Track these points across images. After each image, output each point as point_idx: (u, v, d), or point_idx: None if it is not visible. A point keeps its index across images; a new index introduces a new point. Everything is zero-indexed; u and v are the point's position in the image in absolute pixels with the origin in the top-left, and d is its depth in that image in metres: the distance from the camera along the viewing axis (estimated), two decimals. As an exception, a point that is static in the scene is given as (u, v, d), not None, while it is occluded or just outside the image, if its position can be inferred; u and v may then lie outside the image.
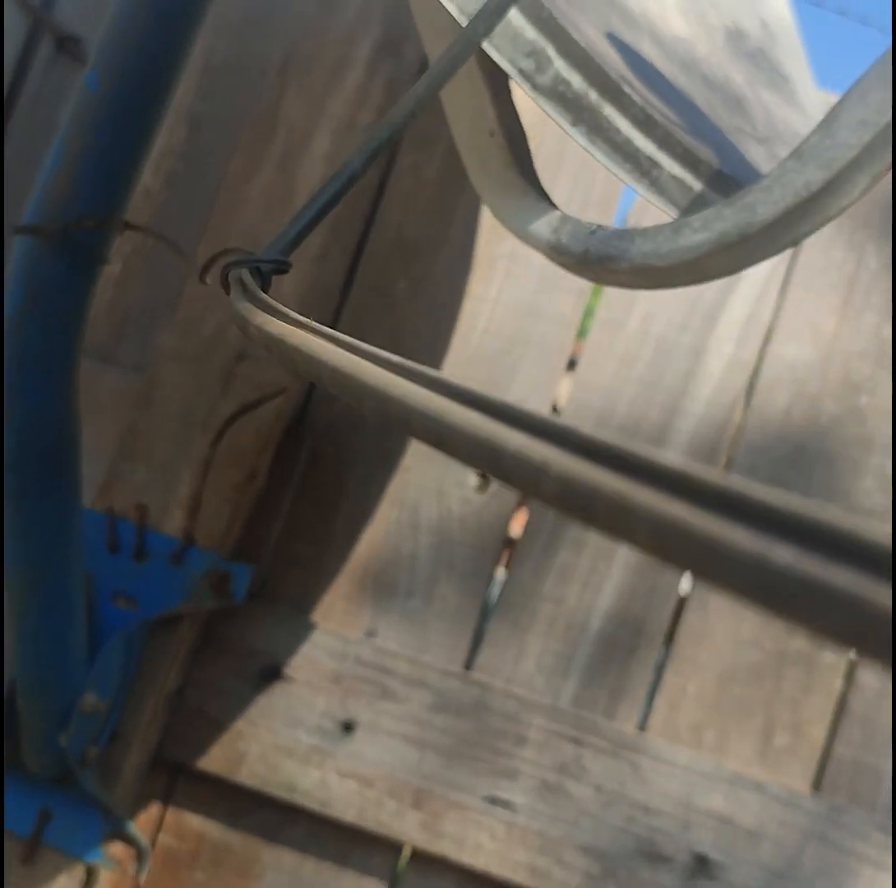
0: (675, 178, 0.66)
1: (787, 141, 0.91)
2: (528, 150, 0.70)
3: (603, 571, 1.27)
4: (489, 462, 0.24)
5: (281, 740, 1.24)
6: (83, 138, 0.88)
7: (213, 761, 1.25)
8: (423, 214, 1.36)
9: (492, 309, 1.33)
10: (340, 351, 0.34)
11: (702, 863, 1.20)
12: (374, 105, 1.38)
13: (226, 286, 0.53)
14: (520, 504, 1.32)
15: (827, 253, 1.32)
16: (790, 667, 1.24)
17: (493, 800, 1.22)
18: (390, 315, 1.34)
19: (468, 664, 1.27)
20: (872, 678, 1.24)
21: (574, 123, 0.62)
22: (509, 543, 1.32)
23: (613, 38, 0.72)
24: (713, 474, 0.19)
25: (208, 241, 1.35)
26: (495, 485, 1.30)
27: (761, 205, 0.58)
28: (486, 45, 0.59)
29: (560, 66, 0.60)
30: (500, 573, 1.31)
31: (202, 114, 1.43)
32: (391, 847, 1.24)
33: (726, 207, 0.59)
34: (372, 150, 0.56)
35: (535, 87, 0.60)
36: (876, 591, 0.16)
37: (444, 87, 0.56)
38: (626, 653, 1.26)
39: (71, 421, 1.01)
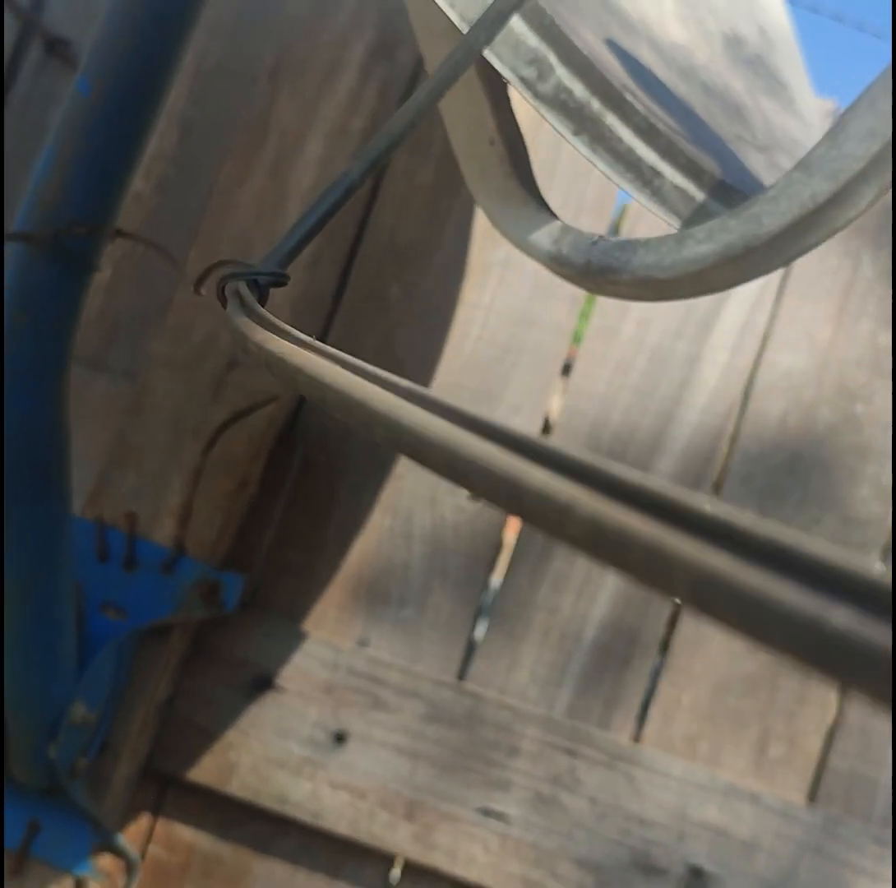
0: (677, 187, 0.65)
1: (785, 148, 0.90)
2: (527, 160, 0.69)
3: (597, 580, 1.26)
4: (509, 500, 0.22)
5: (272, 751, 1.23)
6: (74, 144, 0.87)
7: (203, 772, 1.23)
8: (417, 219, 1.35)
9: (485, 316, 1.32)
10: (347, 373, 0.32)
11: (697, 876, 1.19)
12: (367, 109, 1.37)
13: (222, 299, 0.52)
14: (513, 512, 1.30)
15: (822, 260, 1.32)
16: (785, 678, 1.23)
17: (487, 812, 1.21)
18: (383, 321, 1.33)
19: (461, 674, 1.26)
20: (868, 688, 1.23)
21: (576, 133, 0.61)
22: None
23: (613, 45, 0.71)
24: (758, 523, 0.18)
25: (199, 246, 1.33)
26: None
27: (767, 216, 0.57)
28: (487, 53, 0.58)
29: (562, 74, 0.59)
30: (496, 581, 1.30)
31: (194, 118, 1.42)
32: (383, 859, 1.23)
33: (731, 219, 0.58)
34: (371, 160, 0.55)
35: (537, 95, 0.59)
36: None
37: (444, 95, 0.55)
38: (621, 663, 1.25)
39: (61, 428, 0.99)
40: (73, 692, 1.12)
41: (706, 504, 0.19)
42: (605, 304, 1.32)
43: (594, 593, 1.26)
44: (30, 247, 0.89)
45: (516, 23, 0.58)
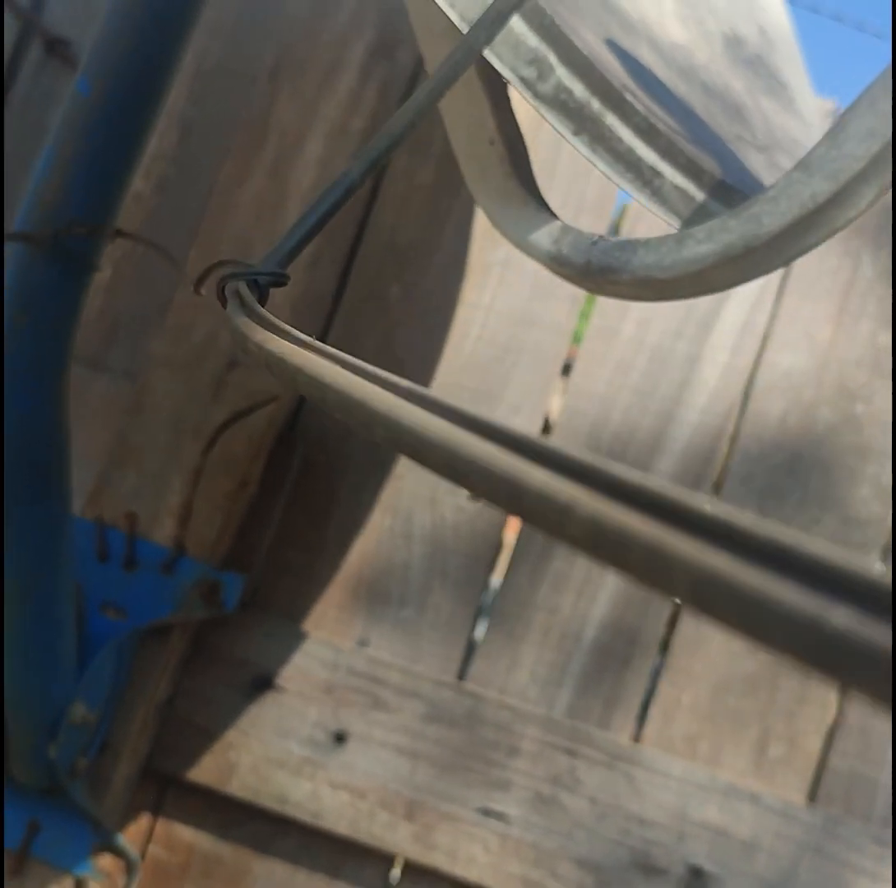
0: (677, 187, 0.65)
1: (785, 148, 0.90)
2: (527, 160, 0.69)
3: (597, 580, 1.26)
4: (509, 500, 0.22)
5: (272, 751, 1.23)
6: (75, 144, 0.87)
7: (203, 772, 1.23)
8: (417, 219, 1.35)
9: (485, 316, 1.32)
10: (347, 373, 0.32)
11: (697, 876, 1.19)
12: (367, 109, 1.36)
13: (222, 299, 0.52)
14: (513, 512, 1.30)
15: (822, 260, 1.32)
16: (785, 678, 1.23)
17: (487, 812, 1.21)
18: (383, 321, 1.33)
19: (461, 674, 1.26)
20: (868, 688, 1.23)
21: (576, 133, 0.61)
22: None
23: (613, 45, 0.71)
24: (757, 523, 0.18)
25: (199, 246, 1.33)
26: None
27: (767, 216, 0.57)
28: (487, 53, 0.58)
29: (562, 74, 0.59)
30: (496, 581, 1.30)
31: (193, 118, 1.42)
32: (383, 859, 1.23)
33: (731, 218, 0.58)
34: (371, 160, 0.55)
35: (537, 95, 0.59)
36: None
37: (445, 95, 0.55)
38: (621, 663, 1.25)
39: (61, 428, 0.99)
40: (73, 692, 1.12)
41: (706, 504, 0.18)
42: (605, 304, 1.32)
43: (594, 593, 1.26)
44: (30, 247, 0.89)
45: (516, 23, 0.58)
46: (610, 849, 1.19)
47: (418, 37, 0.71)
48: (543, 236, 0.65)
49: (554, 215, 0.66)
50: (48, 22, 1.48)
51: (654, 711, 1.24)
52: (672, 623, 1.26)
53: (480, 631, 1.28)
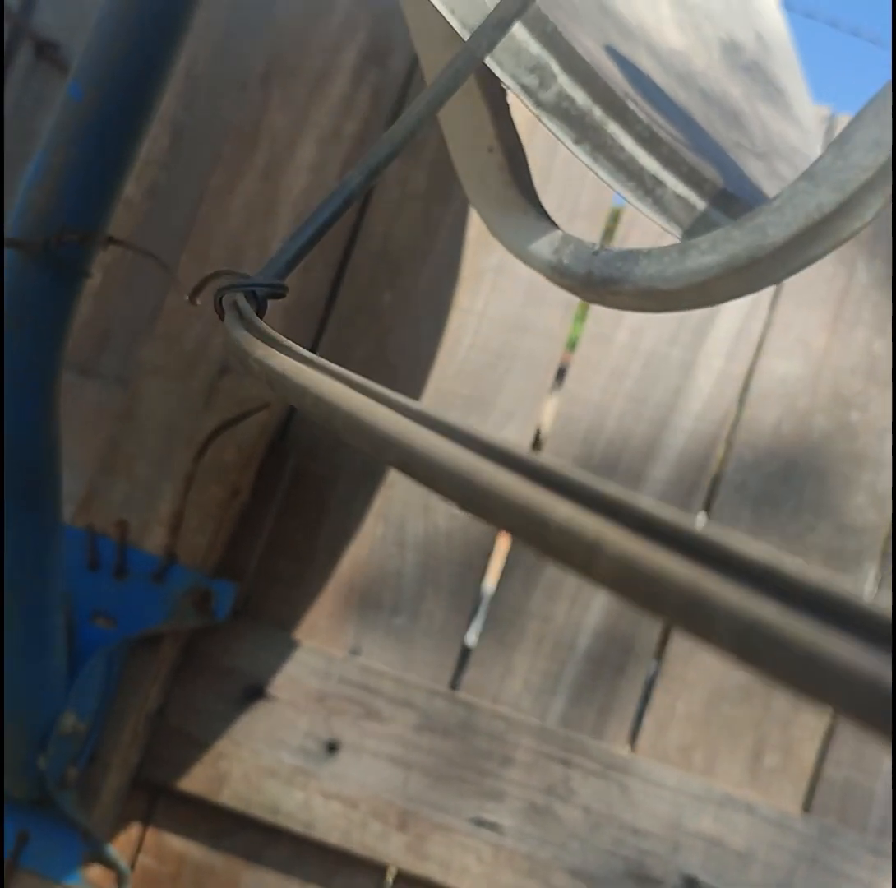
0: (678, 196, 0.64)
1: (784, 155, 0.89)
2: (527, 168, 0.68)
3: (591, 588, 1.25)
4: (530, 533, 0.21)
5: (264, 761, 1.22)
6: (67, 150, 0.86)
7: (194, 782, 1.22)
8: (409, 226, 1.34)
9: (478, 322, 1.31)
10: (355, 394, 0.31)
11: (691, 886, 1.18)
12: (359, 114, 1.36)
13: (219, 311, 0.51)
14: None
15: (817, 267, 1.30)
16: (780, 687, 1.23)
17: (480, 822, 1.20)
18: (375, 327, 1.32)
19: (454, 683, 1.25)
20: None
21: (577, 141, 0.60)
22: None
23: (612, 52, 0.71)
24: (805, 570, 0.17)
25: (190, 251, 1.32)
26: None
27: (772, 227, 0.56)
28: (488, 61, 0.57)
29: (564, 82, 0.58)
30: (489, 589, 1.29)
31: (185, 123, 1.41)
32: (376, 869, 1.22)
33: (736, 229, 0.57)
34: (371, 168, 0.54)
35: (539, 103, 0.58)
36: None
37: (445, 103, 0.54)
38: (615, 671, 1.24)
39: (52, 435, 0.98)
40: (63, 702, 1.11)
41: (748, 545, 0.18)
42: (599, 310, 1.31)
43: (588, 601, 1.26)
44: (21, 253, 0.88)
45: (518, 30, 0.57)
46: (604, 859, 1.19)
47: (416, 43, 0.71)
48: (544, 246, 0.64)
49: (554, 224, 0.65)
50: (37, 25, 1.46)
51: (649, 720, 1.23)
52: (666, 631, 1.25)
53: (473, 639, 1.27)
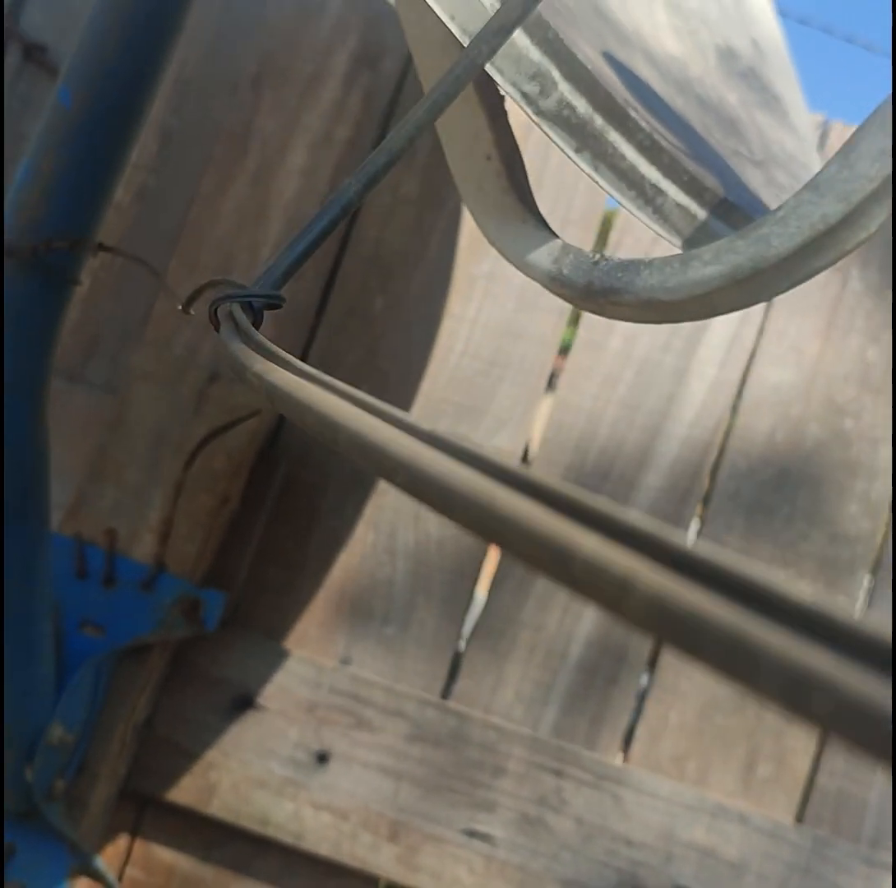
0: (679, 205, 0.63)
1: (781, 163, 0.89)
2: (525, 175, 0.67)
3: (583, 597, 1.24)
4: (553, 567, 0.21)
5: (253, 771, 1.21)
6: (56, 156, 0.85)
7: (183, 793, 1.21)
8: (401, 232, 1.33)
9: (470, 329, 1.30)
10: (361, 413, 0.30)
11: (684, 897, 1.17)
12: (350, 118, 1.35)
13: (215, 321, 0.50)
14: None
15: (811, 274, 1.30)
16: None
17: (472, 833, 1.19)
18: (367, 333, 1.31)
19: (446, 693, 1.24)
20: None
21: (578, 150, 0.59)
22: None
23: (610, 58, 0.70)
24: (851, 616, 0.16)
25: (180, 256, 1.31)
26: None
27: (776, 237, 0.55)
28: (488, 68, 0.56)
29: (565, 89, 0.57)
30: (480, 598, 1.28)
31: (174, 127, 1.39)
32: (367, 881, 1.21)
33: (739, 239, 0.56)
34: (369, 176, 0.53)
35: (539, 111, 0.57)
36: None
37: (445, 111, 0.53)
38: (607, 681, 1.23)
39: (40, 442, 0.97)
40: (50, 713, 1.09)
41: (795, 590, 0.17)
42: (592, 316, 1.30)
43: (580, 610, 1.25)
44: (9, 260, 0.87)
45: (518, 36, 0.56)
46: (596, 870, 1.18)
47: (412, 48, 0.70)
48: (543, 255, 0.63)
49: (554, 234, 0.64)
50: (25, 27, 1.45)
51: (641, 730, 1.22)
52: (659, 642, 1.24)
53: (465, 648, 1.26)
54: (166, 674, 1.23)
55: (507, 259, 0.66)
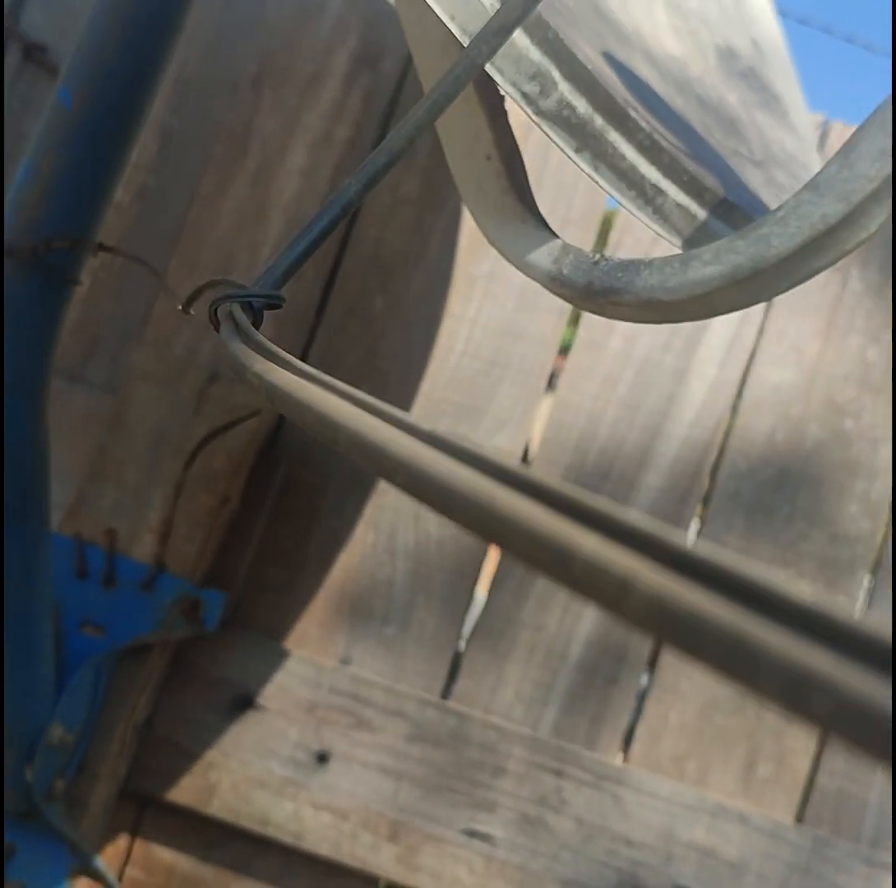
0: (679, 205, 0.63)
1: (781, 163, 0.89)
2: (525, 175, 0.67)
3: (583, 597, 1.24)
4: (553, 567, 0.21)
5: (253, 771, 1.21)
6: (56, 156, 0.85)
7: (183, 793, 1.21)
8: (401, 231, 1.33)
9: (470, 329, 1.30)
10: (361, 413, 0.30)
11: (684, 897, 1.17)
12: (350, 118, 1.35)
13: (215, 321, 0.50)
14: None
15: (811, 274, 1.30)
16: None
17: (472, 833, 1.19)
18: (367, 333, 1.31)
19: (446, 693, 1.24)
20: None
21: (578, 150, 0.59)
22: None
23: (610, 58, 0.70)
24: (851, 615, 0.16)
25: (180, 256, 1.31)
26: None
27: (776, 237, 0.55)
28: (488, 68, 0.56)
29: (565, 89, 0.57)
30: (480, 598, 1.28)
31: (174, 127, 1.39)
32: (367, 881, 1.21)
33: (739, 239, 0.56)
34: (369, 176, 0.53)
35: (539, 111, 0.57)
36: None
37: (445, 111, 0.53)
38: (607, 681, 1.23)
39: (40, 442, 0.97)
40: (50, 713, 1.09)
41: (795, 590, 0.17)
42: (592, 316, 1.30)
43: (580, 610, 1.25)
44: (9, 260, 0.87)
45: (518, 36, 0.56)
46: (596, 870, 1.18)
47: (412, 48, 0.69)
48: (543, 255, 0.63)
49: (554, 234, 0.64)
50: (25, 27, 1.45)
51: (641, 730, 1.22)
52: (659, 642, 1.24)
53: (465, 648, 1.26)
54: (166, 674, 1.23)
55: (507, 259, 0.66)
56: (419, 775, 1.20)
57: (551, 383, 1.32)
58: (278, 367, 0.39)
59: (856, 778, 1.21)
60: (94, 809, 1.15)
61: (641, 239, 1.31)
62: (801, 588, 0.17)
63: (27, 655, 1.06)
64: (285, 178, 1.34)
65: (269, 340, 0.42)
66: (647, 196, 0.62)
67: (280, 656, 1.23)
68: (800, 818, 1.20)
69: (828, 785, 1.20)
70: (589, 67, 0.58)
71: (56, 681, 1.11)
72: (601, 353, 1.29)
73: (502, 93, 0.66)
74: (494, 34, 0.53)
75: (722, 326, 1.29)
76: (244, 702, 1.23)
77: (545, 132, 0.58)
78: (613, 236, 1.33)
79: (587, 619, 1.24)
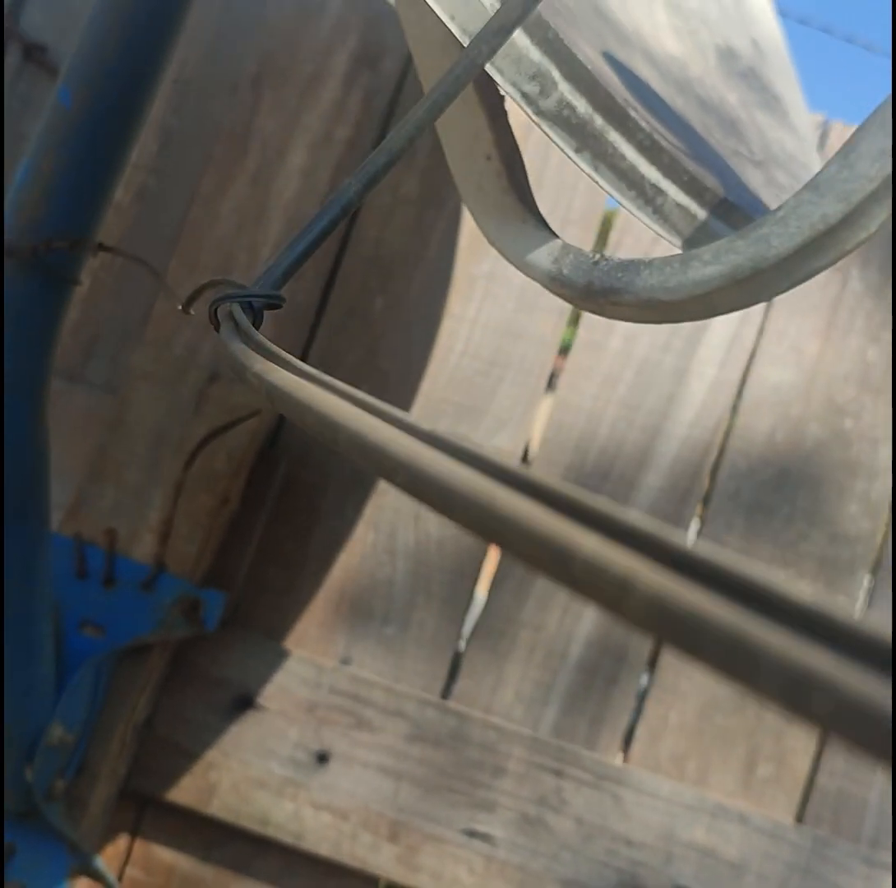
0: (679, 206, 0.63)
1: (782, 163, 0.89)
2: (525, 175, 0.67)
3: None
4: (553, 567, 0.21)
5: (253, 771, 1.21)
6: (56, 156, 0.85)
7: (183, 793, 1.21)
8: (401, 231, 1.33)
9: (470, 329, 1.30)
10: (361, 413, 0.30)
11: (684, 897, 1.17)
12: (350, 119, 1.35)
13: (215, 321, 0.50)
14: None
15: (811, 274, 1.30)
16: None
17: (472, 833, 1.19)
18: (367, 334, 1.31)
19: (446, 693, 1.24)
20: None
21: (578, 150, 0.59)
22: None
23: (610, 58, 0.70)
24: (851, 616, 0.16)
25: (180, 256, 1.31)
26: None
27: (776, 237, 0.55)
28: (488, 68, 0.56)
29: (565, 89, 0.57)
30: (480, 598, 1.28)
31: (174, 127, 1.39)
32: (367, 881, 1.21)
33: (739, 239, 0.56)
34: (369, 176, 0.53)
35: (539, 111, 0.57)
36: None
37: (445, 111, 0.53)
38: (607, 681, 1.23)
39: (40, 442, 0.97)
40: (50, 713, 1.09)
41: (795, 590, 0.17)
42: (592, 316, 1.30)
43: (580, 610, 1.25)
44: (9, 260, 0.87)
45: (518, 36, 0.56)
46: (596, 870, 1.18)
47: (412, 48, 0.69)
48: (543, 255, 0.63)
49: (554, 234, 0.64)
50: (25, 27, 1.45)
51: (641, 730, 1.22)
52: (659, 642, 1.24)
53: (465, 648, 1.26)
54: (166, 674, 1.23)
55: (507, 259, 0.66)
56: (419, 775, 1.20)
57: (551, 383, 1.32)
58: (278, 367, 0.39)
59: (856, 778, 1.21)
60: (94, 809, 1.15)
61: (641, 239, 1.31)
62: (801, 588, 0.17)
63: (27, 655, 1.06)
64: (285, 179, 1.34)
65: (269, 340, 0.42)
66: (647, 196, 0.62)
67: (280, 656, 1.23)
68: (800, 818, 1.20)
69: (828, 785, 1.20)
70: (589, 67, 0.58)
71: (56, 681, 1.11)
72: (601, 352, 1.29)
73: (502, 93, 0.66)
74: (494, 34, 0.53)
75: (722, 326, 1.29)
76: (244, 702, 1.23)
77: (545, 132, 0.58)
78: (613, 236, 1.33)
79: (587, 619, 1.24)
